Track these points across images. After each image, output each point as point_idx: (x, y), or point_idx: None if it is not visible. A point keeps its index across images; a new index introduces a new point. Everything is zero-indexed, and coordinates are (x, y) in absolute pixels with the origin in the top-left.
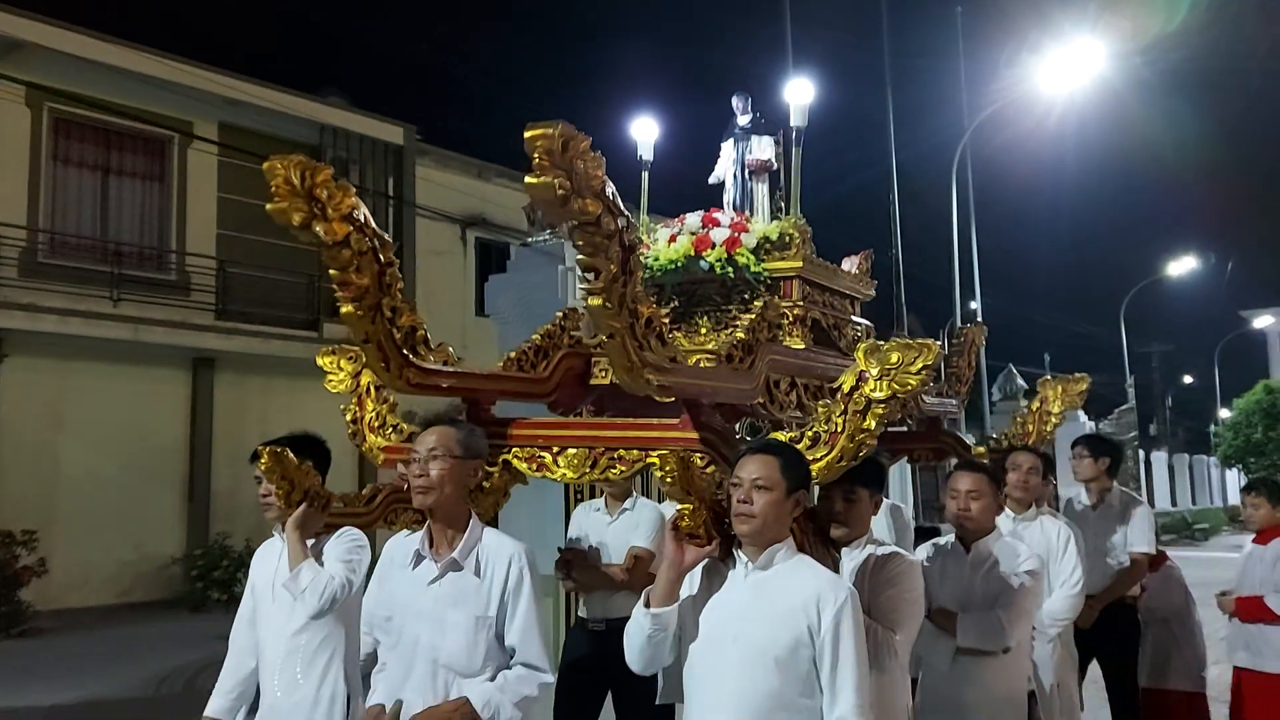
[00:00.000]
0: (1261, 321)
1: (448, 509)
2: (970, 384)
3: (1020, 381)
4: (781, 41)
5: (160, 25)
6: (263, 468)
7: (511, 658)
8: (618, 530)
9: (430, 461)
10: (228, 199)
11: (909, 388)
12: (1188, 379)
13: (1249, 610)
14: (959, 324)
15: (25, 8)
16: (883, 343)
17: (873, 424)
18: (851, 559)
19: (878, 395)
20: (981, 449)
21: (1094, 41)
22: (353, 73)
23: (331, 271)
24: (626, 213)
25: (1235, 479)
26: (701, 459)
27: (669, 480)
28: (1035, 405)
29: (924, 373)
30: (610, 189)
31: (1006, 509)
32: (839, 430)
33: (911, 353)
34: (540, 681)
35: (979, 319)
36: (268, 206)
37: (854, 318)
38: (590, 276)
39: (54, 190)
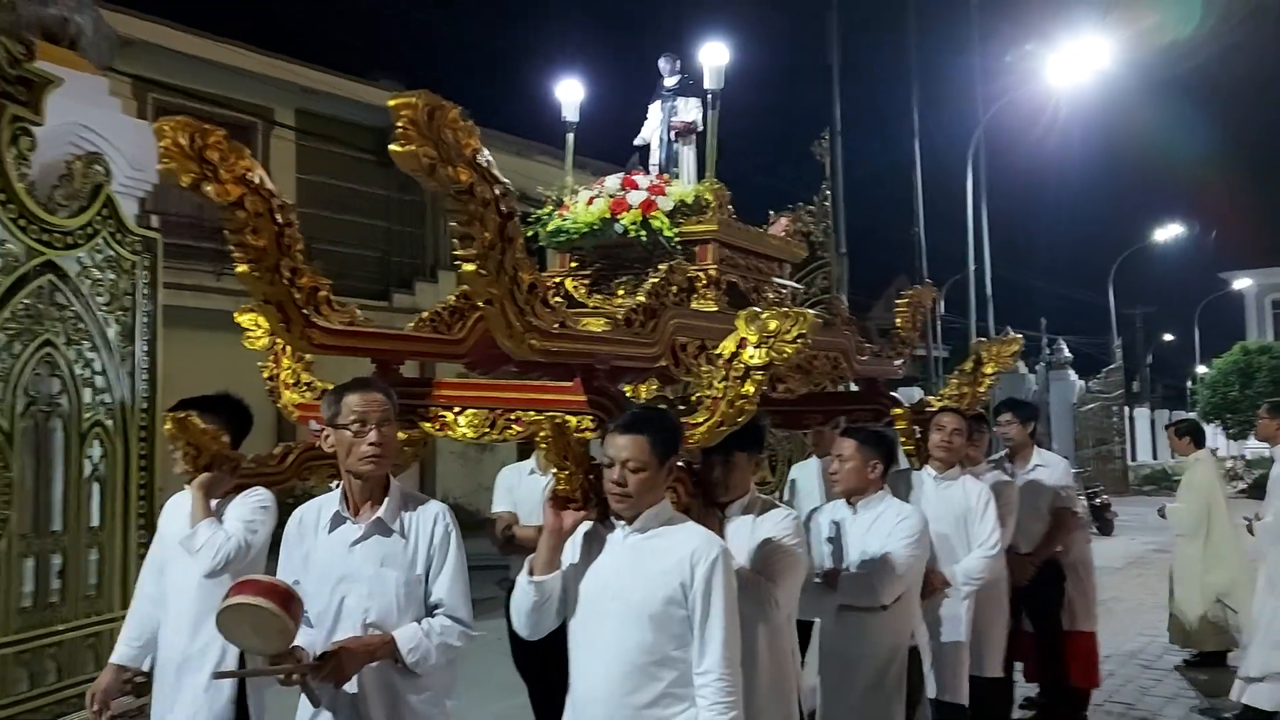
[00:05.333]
0: (1240, 283)
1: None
2: (915, 346)
3: None
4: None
5: (223, 13)
6: (166, 434)
7: (435, 609)
8: None
9: (383, 427)
10: (305, 179)
11: (785, 355)
12: (1168, 337)
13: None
14: (986, 295)
15: (121, 4)
16: (761, 311)
17: (751, 390)
18: (735, 519)
19: (755, 362)
20: (900, 410)
21: (1101, 37)
22: (407, 58)
23: (226, 232)
24: (505, 180)
25: (1212, 434)
26: (592, 422)
27: (543, 445)
28: (969, 367)
29: (800, 341)
30: (484, 157)
31: (928, 467)
32: (719, 396)
33: (789, 321)
34: (464, 634)
35: (988, 287)
36: (157, 168)
37: (779, 280)
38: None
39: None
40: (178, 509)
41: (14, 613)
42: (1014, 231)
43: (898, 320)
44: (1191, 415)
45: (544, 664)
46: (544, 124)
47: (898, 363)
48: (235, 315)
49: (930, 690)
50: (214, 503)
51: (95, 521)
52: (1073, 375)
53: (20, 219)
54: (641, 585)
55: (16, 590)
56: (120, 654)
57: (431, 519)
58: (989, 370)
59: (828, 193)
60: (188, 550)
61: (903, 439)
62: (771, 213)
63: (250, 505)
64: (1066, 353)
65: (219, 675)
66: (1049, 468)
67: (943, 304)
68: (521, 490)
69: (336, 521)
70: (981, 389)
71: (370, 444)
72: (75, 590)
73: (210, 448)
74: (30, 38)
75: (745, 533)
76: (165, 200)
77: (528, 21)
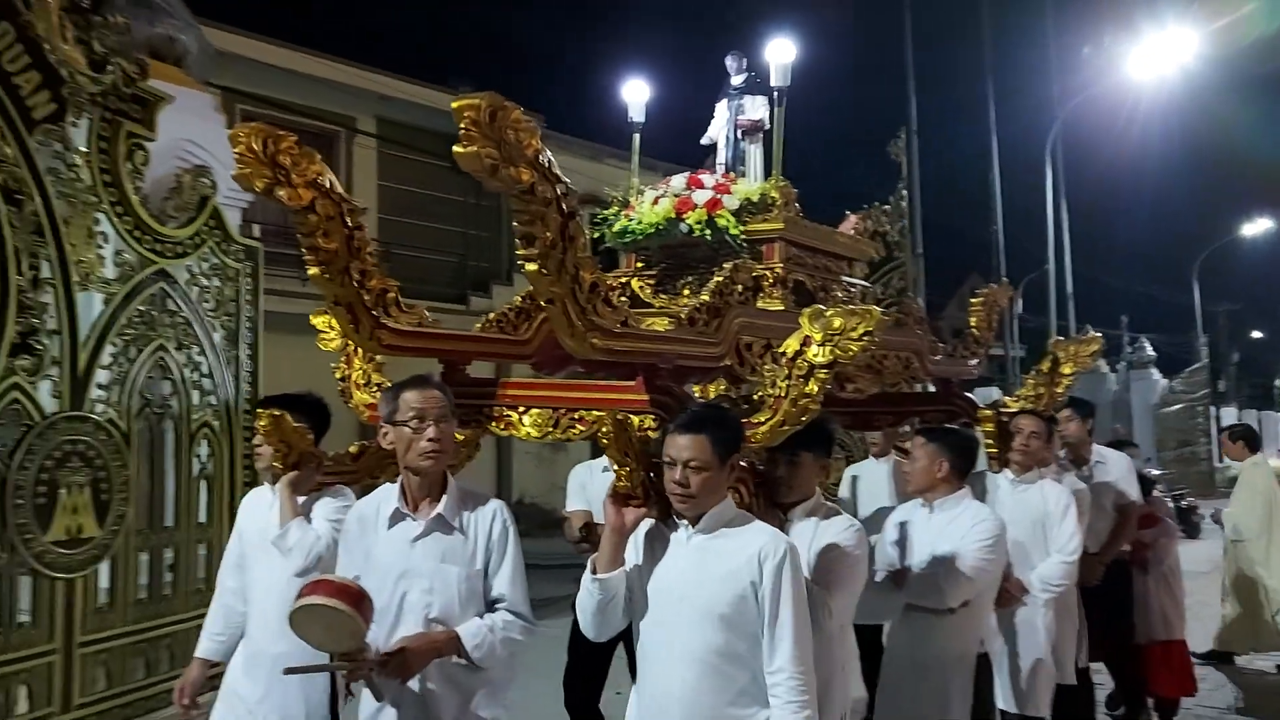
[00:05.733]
0: None
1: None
2: (990, 345)
3: None
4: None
5: (304, 23)
6: (261, 431)
7: (496, 604)
8: None
9: (441, 423)
10: (386, 186)
11: (850, 354)
12: (1256, 334)
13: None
14: (1068, 293)
15: (208, 18)
16: (825, 308)
17: (815, 388)
18: (798, 522)
19: (820, 360)
20: (988, 411)
21: (1182, 30)
22: (487, 68)
23: (299, 235)
24: (565, 180)
25: None
26: (654, 421)
27: (605, 441)
28: (1046, 367)
29: (866, 339)
30: (545, 157)
31: (1007, 471)
32: (782, 395)
33: (855, 319)
34: (526, 628)
35: (1068, 285)
36: (232, 175)
37: (848, 278)
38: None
39: None
40: (257, 504)
41: (131, 604)
42: (1094, 228)
43: (972, 320)
44: (1245, 421)
45: (598, 666)
46: (615, 127)
47: (972, 363)
48: (311, 317)
49: (1003, 701)
50: (300, 500)
51: (203, 518)
52: (1156, 374)
53: (135, 230)
54: (708, 586)
55: (133, 583)
56: (205, 648)
57: (490, 515)
58: (1067, 370)
59: (904, 192)
60: (279, 549)
61: (986, 441)
62: (848, 212)
63: (337, 505)
64: (1150, 351)
65: (289, 671)
66: (1109, 464)
67: (1020, 302)
68: (594, 488)
69: (396, 518)
70: (1059, 389)
71: (429, 440)
72: (185, 584)
73: (299, 445)
74: (143, 58)
75: (807, 537)
76: (252, 208)
77: (605, 27)
